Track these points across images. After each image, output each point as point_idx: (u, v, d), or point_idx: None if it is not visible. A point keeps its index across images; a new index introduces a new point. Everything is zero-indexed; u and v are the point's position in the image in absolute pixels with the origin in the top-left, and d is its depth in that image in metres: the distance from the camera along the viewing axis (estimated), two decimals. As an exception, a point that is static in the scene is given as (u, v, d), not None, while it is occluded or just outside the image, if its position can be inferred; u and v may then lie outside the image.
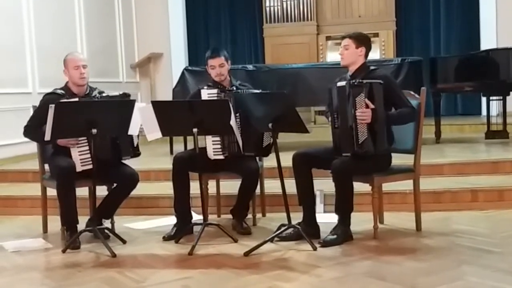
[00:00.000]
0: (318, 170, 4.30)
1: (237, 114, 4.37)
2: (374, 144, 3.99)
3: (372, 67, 4.28)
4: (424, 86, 4.64)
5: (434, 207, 4.88)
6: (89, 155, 4.31)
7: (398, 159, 4.37)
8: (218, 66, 4.57)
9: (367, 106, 3.95)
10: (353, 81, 4.05)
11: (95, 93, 4.48)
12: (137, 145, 4.47)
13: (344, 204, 4.11)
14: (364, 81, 4.00)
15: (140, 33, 10.04)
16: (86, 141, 4.32)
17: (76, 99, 4.31)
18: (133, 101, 4.28)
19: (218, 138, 4.53)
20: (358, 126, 3.97)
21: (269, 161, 4.74)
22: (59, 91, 4.45)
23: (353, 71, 4.23)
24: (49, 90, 4.55)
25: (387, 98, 4.03)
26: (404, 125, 4.16)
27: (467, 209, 4.87)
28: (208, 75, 4.70)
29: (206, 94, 4.59)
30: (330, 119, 4.24)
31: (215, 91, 4.58)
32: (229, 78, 4.69)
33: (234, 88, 4.59)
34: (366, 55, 4.26)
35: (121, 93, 4.53)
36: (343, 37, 4.29)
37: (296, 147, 4.65)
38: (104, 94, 4.49)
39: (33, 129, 4.41)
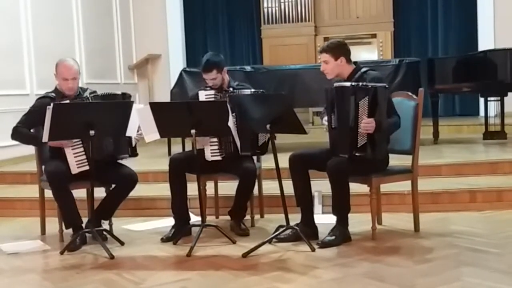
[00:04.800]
0: (316, 171, 4.29)
1: (233, 114, 4.37)
2: (373, 149, 3.98)
3: (365, 68, 4.25)
4: (422, 87, 4.64)
5: (432, 207, 4.88)
6: (84, 157, 4.31)
7: (396, 160, 4.37)
8: (210, 79, 4.58)
9: (370, 112, 3.93)
10: (357, 83, 4.01)
11: (86, 94, 4.48)
12: (135, 145, 4.47)
13: (340, 204, 4.10)
14: (369, 85, 3.97)
15: (138, 34, 10.04)
16: (80, 142, 4.32)
17: (67, 101, 4.31)
18: (131, 102, 4.27)
19: (215, 139, 4.54)
20: (358, 130, 3.96)
21: (267, 162, 4.74)
22: (51, 94, 4.46)
23: (345, 78, 4.21)
24: (47, 91, 4.55)
25: None
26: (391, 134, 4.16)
27: (465, 210, 4.87)
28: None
29: (204, 95, 4.61)
30: (324, 119, 4.23)
31: (212, 92, 4.60)
32: (228, 79, 4.70)
33: (231, 89, 4.59)
34: (349, 60, 4.23)
35: (122, 92, 4.52)
36: (319, 52, 4.28)
37: (294, 148, 4.65)
38: (98, 94, 4.46)
39: (22, 131, 4.41)
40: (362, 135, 3.96)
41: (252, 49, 11.03)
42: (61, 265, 3.97)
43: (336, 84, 4.13)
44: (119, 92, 4.51)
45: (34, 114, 4.35)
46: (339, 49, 4.21)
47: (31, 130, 4.43)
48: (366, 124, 3.91)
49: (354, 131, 3.98)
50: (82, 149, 4.32)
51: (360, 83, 4.00)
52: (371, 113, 3.93)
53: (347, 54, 4.22)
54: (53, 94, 4.46)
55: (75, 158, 4.32)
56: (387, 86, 4.01)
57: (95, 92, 4.52)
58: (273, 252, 3.98)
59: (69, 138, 4.25)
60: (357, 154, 3.99)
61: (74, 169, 4.31)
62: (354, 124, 3.97)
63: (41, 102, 4.36)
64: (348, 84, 4.05)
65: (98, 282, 3.55)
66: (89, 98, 4.40)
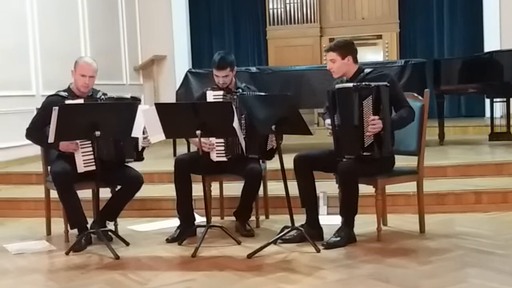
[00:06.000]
0: (320, 172, 4.29)
1: (243, 116, 4.38)
2: (380, 148, 3.97)
3: (368, 70, 4.24)
4: (427, 88, 4.63)
5: (437, 209, 4.87)
6: (92, 156, 4.32)
7: (402, 161, 4.36)
8: (222, 77, 4.58)
9: (374, 112, 3.92)
10: (359, 83, 4.01)
11: (99, 94, 4.49)
12: (142, 150, 4.46)
13: (349, 207, 4.10)
14: (372, 84, 3.97)
15: (144, 35, 10.06)
16: (89, 142, 4.33)
17: (81, 101, 4.32)
18: (137, 104, 4.27)
19: (221, 140, 4.54)
20: (364, 130, 3.96)
21: (272, 163, 4.74)
22: (62, 93, 4.46)
23: (349, 77, 4.21)
24: (53, 92, 4.56)
25: (390, 98, 4.01)
26: (405, 127, 4.15)
27: (470, 211, 4.86)
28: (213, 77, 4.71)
29: (212, 95, 4.60)
30: (327, 121, 4.23)
31: (221, 92, 4.59)
32: (235, 80, 4.70)
33: (240, 91, 4.60)
34: (355, 60, 4.23)
35: (131, 96, 4.52)
36: (326, 50, 4.25)
37: (299, 149, 4.65)
38: (114, 95, 4.47)
39: (35, 131, 4.42)
40: (369, 135, 3.95)
41: (258, 50, 11.04)
42: (67, 265, 3.97)
43: (338, 86, 4.13)
44: (128, 96, 4.51)
45: (44, 114, 4.34)
46: (347, 48, 4.20)
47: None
48: (373, 125, 3.90)
49: (360, 131, 3.97)
50: (90, 148, 4.33)
51: (363, 83, 4.00)
52: (376, 112, 3.93)
53: (354, 53, 4.21)
54: (65, 93, 4.46)
55: (83, 157, 4.33)
56: (388, 85, 3.99)
57: (106, 94, 4.52)
58: (278, 253, 3.98)
59: (74, 139, 4.26)
60: (364, 154, 3.98)
61: (81, 168, 4.32)
62: (360, 124, 3.96)
63: (51, 101, 4.36)
64: (350, 84, 4.05)
65: (103, 283, 3.56)
66: (102, 99, 4.40)
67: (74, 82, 4.48)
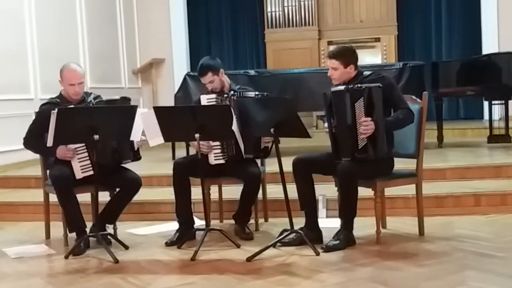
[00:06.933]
0: (320, 175, 4.29)
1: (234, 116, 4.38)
2: (374, 149, 3.98)
3: (366, 73, 4.25)
4: (426, 91, 4.63)
5: (436, 211, 4.87)
6: (88, 162, 4.33)
7: (401, 164, 4.37)
8: (208, 83, 4.58)
9: (367, 113, 3.93)
10: (351, 86, 4.03)
11: (90, 98, 4.48)
12: (138, 149, 4.47)
13: (348, 209, 4.10)
14: (363, 86, 3.98)
15: (142, 38, 10.06)
16: (84, 147, 4.33)
17: (71, 106, 4.31)
18: (135, 107, 4.28)
19: (217, 143, 4.54)
20: (358, 132, 3.97)
21: (271, 166, 4.75)
22: (54, 100, 4.46)
23: (348, 80, 4.21)
24: (51, 96, 4.57)
25: (386, 99, 4.01)
26: (404, 127, 4.15)
27: (469, 214, 4.86)
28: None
29: (205, 99, 4.62)
30: (325, 124, 4.24)
31: (213, 95, 4.61)
32: (228, 82, 4.70)
33: (233, 92, 4.60)
34: (356, 67, 4.22)
35: (121, 97, 4.53)
36: (328, 57, 4.22)
37: (297, 152, 4.65)
38: (102, 99, 4.47)
39: (33, 140, 4.42)
40: (362, 136, 3.96)
41: (256, 53, 11.05)
42: (66, 269, 3.97)
43: (333, 89, 4.15)
44: (117, 97, 4.51)
45: (39, 122, 4.34)
46: (349, 57, 4.20)
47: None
48: (366, 127, 3.91)
49: (353, 133, 3.99)
50: (86, 154, 4.34)
51: (355, 85, 4.01)
52: (368, 114, 3.94)
53: (356, 61, 4.22)
54: (58, 100, 4.46)
55: (80, 163, 4.33)
56: (381, 86, 3.99)
57: (99, 96, 4.53)
58: (277, 256, 3.98)
59: (73, 142, 4.26)
60: (359, 156, 3.99)
61: (79, 174, 4.32)
62: (353, 125, 3.98)
63: (44, 109, 4.37)
64: (342, 87, 4.07)
65: (103, 286, 3.56)
66: (93, 103, 4.41)
67: (65, 91, 4.47)
